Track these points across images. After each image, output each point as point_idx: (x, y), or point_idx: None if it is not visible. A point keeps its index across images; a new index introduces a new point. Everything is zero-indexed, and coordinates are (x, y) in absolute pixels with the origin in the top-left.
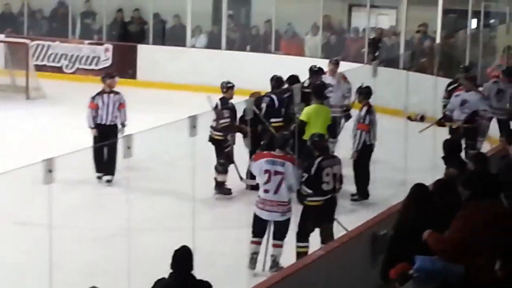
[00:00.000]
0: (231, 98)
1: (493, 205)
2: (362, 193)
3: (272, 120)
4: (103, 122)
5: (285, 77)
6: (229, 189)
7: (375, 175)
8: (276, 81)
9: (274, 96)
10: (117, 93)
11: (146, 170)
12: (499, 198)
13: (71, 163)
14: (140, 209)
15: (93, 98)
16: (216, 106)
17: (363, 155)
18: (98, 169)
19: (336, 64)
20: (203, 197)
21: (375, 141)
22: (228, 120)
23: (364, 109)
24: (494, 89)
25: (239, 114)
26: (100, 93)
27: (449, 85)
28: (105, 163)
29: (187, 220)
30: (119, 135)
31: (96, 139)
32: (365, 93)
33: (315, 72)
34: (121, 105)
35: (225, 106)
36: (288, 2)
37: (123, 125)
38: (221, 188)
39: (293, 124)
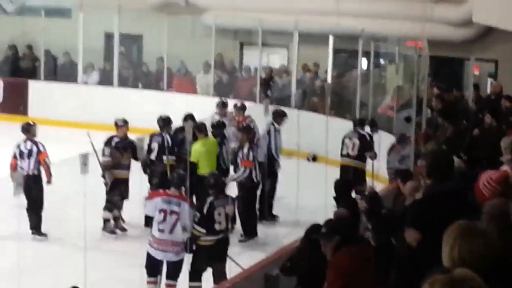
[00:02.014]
0: (124, 136)
1: (362, 249)
2: (249, 233)
3: (169, 157)
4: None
5: (176, 115)
6: (114, 230)
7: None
8: (163, 121)
9: (165, 135)
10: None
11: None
12: (366, 241)
13: None
14: (31, 250)
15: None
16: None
17: (249, 193)
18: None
19: (223, 105)
20: (96, 234)
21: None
22: (107, 159)
23: (246, 145)
24: (397, 159)
25: None
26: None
27: None
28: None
29: (79, 258)
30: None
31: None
32: (244, 130)
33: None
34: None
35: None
36: (180, 39)
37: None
38: (106, 226)
39: (184, 163)
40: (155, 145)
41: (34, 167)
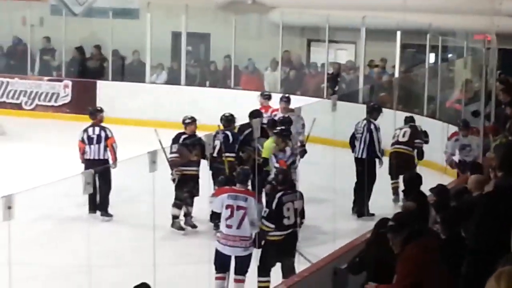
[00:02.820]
0: (192, 133)
1: (432, 242)
2: None
3: (227, 154)
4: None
5: (244, 112)
6: (182, 226)
7: (338, 209)
8: (225, 120)
9: (228, 132)
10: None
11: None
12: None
13: (31, 200)
14: (101, 244)
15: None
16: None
17: None
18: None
19: (287, 101)
20: (164, 232)
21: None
22: (174, 155)
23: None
24: (457, 146)
25: None
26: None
27: None
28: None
29: (147, 255)
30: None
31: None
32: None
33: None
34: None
35: (181, 141)
36: (247, 37)
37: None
38: (175, 223)
39: (252, 159)
40: (217, 142)
41: (103, 152)
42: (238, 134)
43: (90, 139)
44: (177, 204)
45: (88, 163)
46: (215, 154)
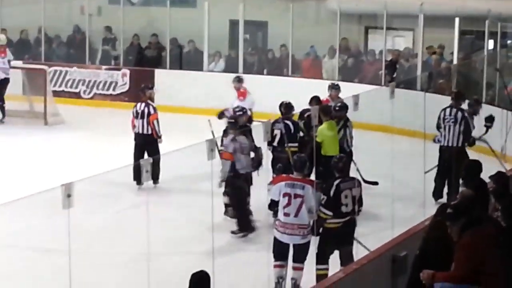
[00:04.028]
0: (244, 124)
1: (491, 230)
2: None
3: (290, 145)
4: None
5: (302, 100)
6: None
7: (395, 196)
8: (285, 107)
9: (289, 122)
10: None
11: (166, 193)
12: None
13: (90, 188)
14: (160, 233)
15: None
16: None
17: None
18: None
19: (337, 89)
20: (221, 219)
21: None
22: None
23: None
24: None
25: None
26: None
27: None
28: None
29: (205, 243)
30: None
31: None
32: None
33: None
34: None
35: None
36: (305, 25)
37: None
38: (228, 210)
39: (310, 146)
40: (277, 132)
41: (146, 127)
42: (298, 122)
43: (137, 114)
44: (228, 192)
45: (136, 136)
46: (275, 144)
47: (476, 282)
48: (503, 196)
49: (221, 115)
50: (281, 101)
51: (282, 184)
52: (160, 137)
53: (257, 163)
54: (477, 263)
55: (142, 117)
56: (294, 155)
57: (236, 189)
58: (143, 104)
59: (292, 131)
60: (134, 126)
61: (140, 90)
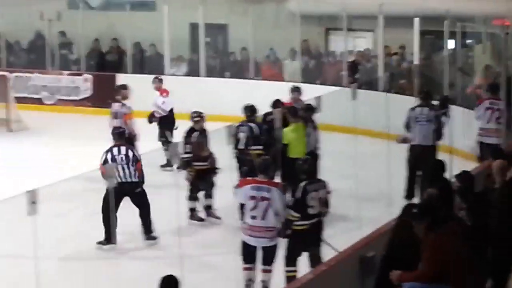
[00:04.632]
0: (202, 129)
1: (456, 229)
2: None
3: (253, 147)
4: None
5: (265, 103)
6: (201, 217)
7: (361, 196)
8: (249, 110)
9: (253, 125)
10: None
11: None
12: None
13: (54, 194)
14: (126, 237)
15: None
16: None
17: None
18: None
19: (299, 91)
20: (186, 224)
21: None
22: (188, 155)
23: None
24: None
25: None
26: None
27: None
28: None
29: (173, 247)
30: None
31: None
32: None
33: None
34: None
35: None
36: (265, 27)
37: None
38: (193, 215)
39: (274, 149)
40: (241, 135)
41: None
42: (262, 125)
43: (113, 114)
44: (192, 197)
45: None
46: (240, 146)
47: (444, 281)
48: (468, 195)
49: (150, 118)
50: (244, 104)
51: (248, 187)
52: (135, 136)
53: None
54: (444, 262)
55: (116, 117)
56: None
57: (104, 201)
58: (116, 105)
59: (257, 133)
60: (112, 127)
61: (114, 89)
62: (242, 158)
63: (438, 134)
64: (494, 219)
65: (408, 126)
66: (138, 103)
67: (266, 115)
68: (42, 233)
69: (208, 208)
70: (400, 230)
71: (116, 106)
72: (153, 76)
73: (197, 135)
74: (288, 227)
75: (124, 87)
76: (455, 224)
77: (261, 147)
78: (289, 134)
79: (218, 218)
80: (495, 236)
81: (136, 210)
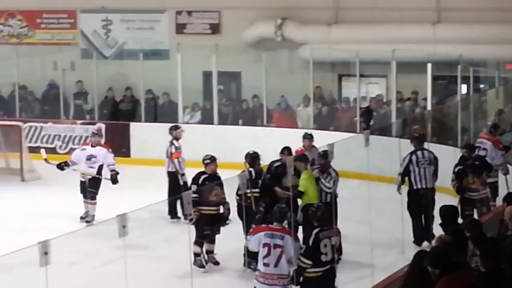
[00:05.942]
0: (213, 172)
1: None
2: None
3: (252, 190)
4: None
5: (277, 150)
6: (203, 264)
7: (374, 242)
8: (250, 158)
9: (251, 169)
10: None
11: (143, 247)
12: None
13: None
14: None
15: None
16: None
17: None
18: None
19: (310, 138)
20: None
21: None
22: (194, 195)
23: None
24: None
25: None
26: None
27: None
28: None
29: None
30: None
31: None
32: None
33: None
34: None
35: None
36: (278, 74)
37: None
38: (196, 260)
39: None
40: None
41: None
42: (261, 170)
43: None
44: (197, 242)
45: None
46: (241, 192)
47: None
48: (481, 241)
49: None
50: (257, 150)
51: (262, 234)
52: (183, 175)
53: (224, 219)
54: None
55: (167, 156)
56: (257, 203)
57: None
58: (168, 144)
59: (254, 177)
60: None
61: (169, 130)
62: (240, 203)
63: (436, 175)
64: (508, 265)
65: (408, 172)
66: (151, 152)
67: (272, 164)
68: (54, 285)
69: (208, 252)
70: (412, 277)
71: (167, 145)
72: (170, 125)
73: (206, 177)
74: (301, 275)
75: (176, 127)
76: (467, 271)
77: (257, 190)
78: (306, 181)
79: (217, 263)
80: (509, 282)
81: None
